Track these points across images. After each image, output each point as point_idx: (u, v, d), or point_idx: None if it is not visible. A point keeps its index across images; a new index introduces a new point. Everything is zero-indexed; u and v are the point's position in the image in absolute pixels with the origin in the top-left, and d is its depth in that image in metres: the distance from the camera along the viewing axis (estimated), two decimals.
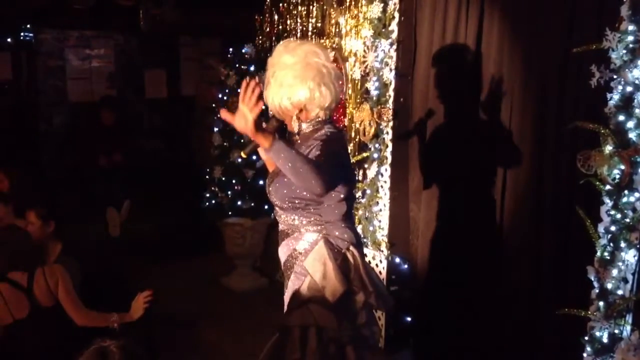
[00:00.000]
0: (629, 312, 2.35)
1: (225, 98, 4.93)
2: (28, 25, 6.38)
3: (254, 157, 2.71)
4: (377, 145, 3.75)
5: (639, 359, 2.25)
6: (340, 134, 2.52)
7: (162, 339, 3.69)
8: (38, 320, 2.91)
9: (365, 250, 3.47)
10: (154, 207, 6.17)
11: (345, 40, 4.14)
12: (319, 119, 2.37)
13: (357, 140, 4.03)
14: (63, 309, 2.96)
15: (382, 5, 3.62)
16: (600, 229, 2.43)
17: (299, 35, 4.67)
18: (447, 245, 3.54)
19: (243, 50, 4.92)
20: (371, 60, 3.72)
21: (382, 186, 3.79)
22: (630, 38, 2.27)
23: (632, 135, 2.28)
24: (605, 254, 2.37)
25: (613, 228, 2.34)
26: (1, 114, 6.31)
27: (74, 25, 6.61)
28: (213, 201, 4.97)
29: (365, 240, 3.76)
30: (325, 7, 4.40)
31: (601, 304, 2.38)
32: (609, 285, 2.36)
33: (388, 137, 3.71)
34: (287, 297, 2.47)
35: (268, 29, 5.07)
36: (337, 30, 4.26)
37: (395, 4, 3.60)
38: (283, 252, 2.48)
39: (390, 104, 3.66)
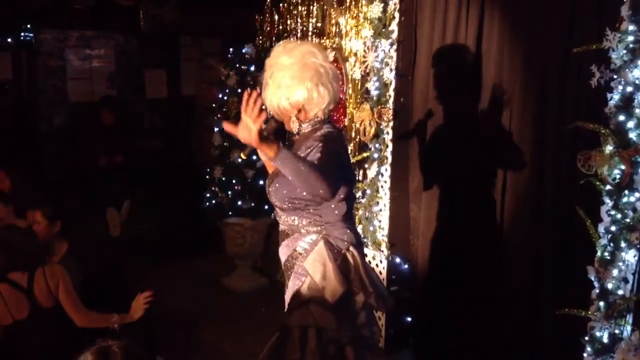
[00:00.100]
0: (630, 312, 2.35)
1: (225, 98, 4.93)
2: (28, 25, 6.38)
3: (254, 157, 2.71)
4: (377, 145, 3.75)
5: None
6: (339, 133, 2.52)
7: (162, 339, 3.69)
8: (38, 321, 2.90)
9: (366, 251, 3.47)
10: (154, 207, 6.17)
11: (346, 41, 4.15)
12: (318, 119, 2.37)
13: (357, 140, 4.03)
14: (63, 310, 2.95)
15: (382, 5, 3.62)
16: (601, 229, 2.43)
17: (299, 35, 4.67)
18: (448, 246, 3.54)
19: (243, 50, 4.92)
20: (371, 60, 3.72)
21: (382, 186, 3.79)
22: (631, 38, 2.27)
23: (632, 135, 2.28)
24: (606, 254, 2.37)
25: (613, 228, 2.34)
26: (1, 114, 6.31)
27: (74, 25, 6.61)
28: (213, 201, 4.97)
29: (365, 240, 3.76)
30: (325, 7, 4.40)
31: (601, 304, 2.38)
32: (610, 286, 2.36)
33: (388, 137, 3.71)
34: (287, 298, 2.47)
35: (268, 29, 5.07)
36: (337, 30, 4.27)
37: (395, 4, 3.61)
38: (283, 253, 2.48)
39: (390, 104, 3.67)
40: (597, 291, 2.41)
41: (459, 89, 3.44)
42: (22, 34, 6.40)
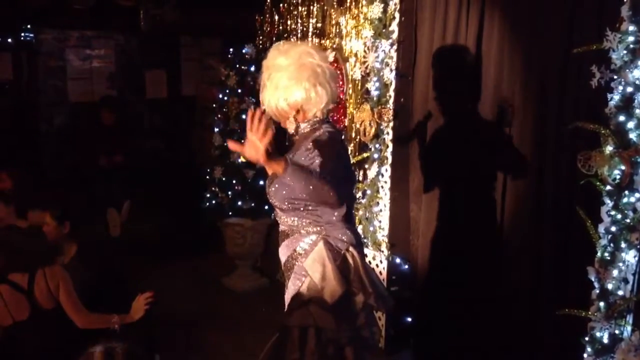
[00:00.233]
0: (630, 312, 2.35)
1: (225, 98, 4.93)
2: (28, 26, 6.38)
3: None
4: (377, 146, 3.75)
5: None
6: (339, 133, 2.52)
7: (162, 339, 3.69)
8: (38, 322, 2.89)
9: (366, 251, 3.47)
10: (154, 207, 6.17)
11: (346, 41, 4.15)
12: (317, 119, 2.37)
13: (357, 140, 4.03)
14: (63, 311, 2.94)
15: (382, 5, 3.62)
16: (601, 229, 2.43)
17: (299, 35, 4.67)
18: (448, 246, 3.54)
19: (243, 51, 4.92)
20: (372, 61, 3.72)
21: (382, 186, 3.79)
22: (631, 38, 2.27)
23: (632, 136, 2.28)
24: (606, 254, 2.37)
25: (613, 228, 2.34)
26: (2, 114, 6.31)
27: (75, 25, 6.61)
28: (213, 201, 4.97)
29: (365, 240, 3.76)
30: (325, 8, 4.41)
31: (602, 304, 2.38)
32: (610, 286, 2.36)
33: (388, 137, 3.71)
34: (287, 298, 2.47)
35: (268, 29, 5.07)
36: (337, 30, 4.27)
37: (395, 5, 3.61)
38: (283, 253, 2.48)
39: (390, 105, 3.67)
40: (597, 291, 2.41)
41: (459, 89, 3.44)
42: (23, 34, 6.40)
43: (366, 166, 3.88)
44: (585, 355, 2.45)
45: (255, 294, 4.90)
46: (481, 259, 3.31)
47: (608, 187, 2.35)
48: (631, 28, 2.27)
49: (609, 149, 2.31)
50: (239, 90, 4.87)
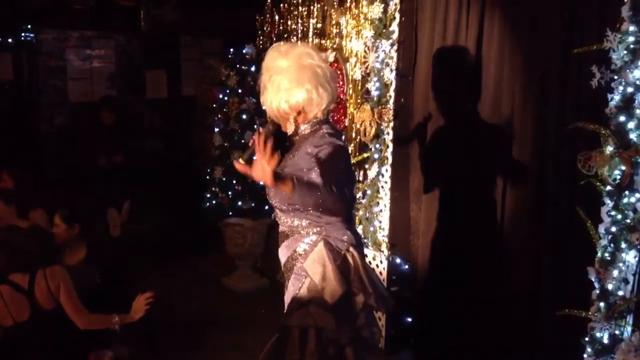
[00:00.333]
0: (630, 312, 2.35)
1: (225, 98, 4.93)
2: (29, 26, 6.38)
3: (255, 158, 2.70)
4: (377, 146, 3.75)
5: None
6: (339, 135, 2.52)
7: (162, 339, 3.69)
8: (39, 323, 2.89)
9: (366, 251, 3.47)
10: (154, 207, 6.17)
11: (346, 41, 4.15)
12: (317, 120, 2.37)
13: (357, 140, 4.03)
14: (64, 312, 2.94)
15: (382, 5, 3.62)
16: (601, 229, 2.43)
17: (299, 35, 4.67)
18: (448, 246, 3.54)
19: (244, 51, 4.92)
20: (372, 61, 3.72)
21: (382, 187, 3.79)
22: (631, 39, 2.27)
23: (632, 136, 2.28)
24: (606, 254, 2.37)
25: (614, 229, 2.34)
26: (2, 114, 6.30)
27: (75, 25, 6.61)
28: (213, 201, 4.97)
29: (365, 240, 3.76)
30: (326, 8, 4.40)
31: (602, 304, 2.38)
32: (610, 286, 2.36)
33: (389, 137, 3.71)
34: (287, 298, 2.47)
35: (269, 30, 5.07)
36: (337, 30, 4.27)
37: (396, 5, 3.61)
38: (283, 254, 2.48)
39: (390, 105, 3.67)
40: (598, 292, 2.41)
41: (460, 89, 3.44)
42: (23, 34, 6.40)
43: (366, 166, 3.88)
44: (585, 356, 2.46)
45: (255, 294, 4.90)
46: (481, 259, 3.31)
47: (608, 188, 2.35)
48: (631, 28, 2.27)
49: (609, 149, 2.32)
50: (239, 91, 4.87)
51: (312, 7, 4.54)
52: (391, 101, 3.67)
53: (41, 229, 3.50)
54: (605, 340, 2.38)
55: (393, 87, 3.66)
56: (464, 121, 3.43)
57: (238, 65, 4.90)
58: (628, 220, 2.30)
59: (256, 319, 4.30)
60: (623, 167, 2.27)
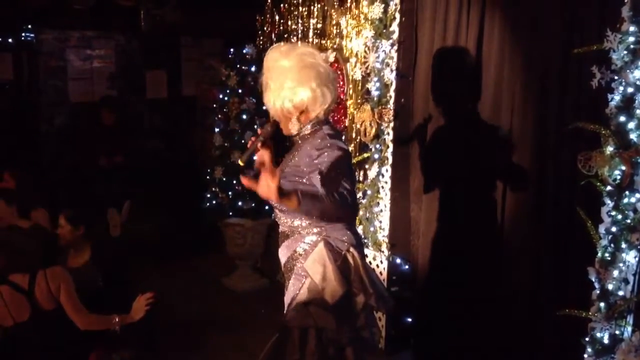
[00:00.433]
0: (630, 313, 2.35)
1: (226, 98, 4.93)
2: (29, 26, 6.38)
3: (255, 158, 2.70)
4: (378, 146, 3.76)
5: None
6: (340, 135, 2.52)
7: (162, 339, 3.69)
8: (39, 323, 2.89)
9: (366, 251, 3.47)
10: (155, 207, 6.17)
11: (346, 41, 4.15)
12: (317, 120, 2.37)
13: (358, 140, 4.03)
14: (64, 312, 2.93)
15: (383, 6, 3.62)
16: (601, 229, 2.43)
17: (299, 36, 4.68)
18: (448, 246, 3.54)
19: (244, 51, 4.92)
20: (372, 61, 3.72)
21: (382, 187, 3.79)
22: (631, 39, 2.27)
23: (633, 136, 2.28)
24: (606, 254, 2.37)
25: (614, 229, 2.34)
26: (2, 114, 6.30)
27: (75, 25, 6.61)
28: (214, 201, 4.97)
29: (366, 240, 3.76)
30: (326, 8, 4.41)
31: (602, 304, 2.38)
32: (610, 286, 2.36)
33: (389, 137, 3.71)
34: (287, 298, 2.47)
35: (269, 30, 5.07)
36: (338, 30, 4.27)
37: (396, 5, 3.61)
38: (283, 254, 2.48)
39: (391, 105, 3.67)
40: (598, 292, 2.41)
41: (460, 89, 3.44)
42: (23, 34, 6.39)
43: (366, 166, 3.88)
44: (585, 356, 2.46)
45: (256, 294, 4.89)
46: (481, 259, 3.31)
47: (608, 188, 2.35)
48: (632, 28, 2.27)
49: (609, 149, 2.32)
50: (240, 91, 4.87)
51: (312, 7, 4.54)
52: (391, 101, 3.67)
53: (43, 229, 3.49)
54: (606, 341, 2.38)
55: (393, 87, 3.66)
56: (464, 121, 3.43)
57: (238, 66, 4.90)
58: (628, 221, 2.30)
59: (256, 319, 4.30)
60: (623, 167, 2.27)
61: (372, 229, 3.82)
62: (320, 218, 2.21)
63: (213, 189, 4.97)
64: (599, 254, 2.40)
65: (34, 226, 3.43)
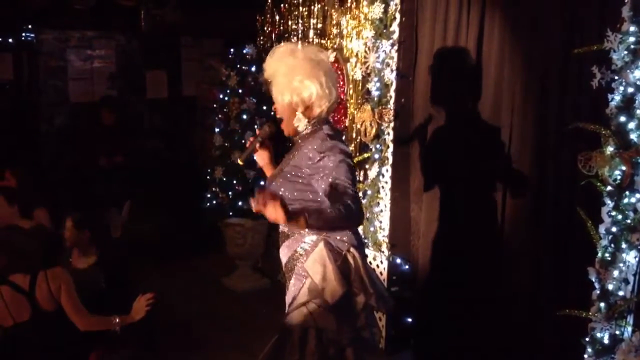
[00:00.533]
0: (630, 313, 2.35)
1: (226, 99, 4.93)
2: (29, 26, 6.38)
3: (255, 157, 2.72)
4: (378, 146, 3.76)
5: None
6: (340, 135, 2.52)
7: (162, 339, 3.69)
8: (39, 324, 2.88)
9: (366, 251, 3.46)
10: (155, 207, 6.17)
11: (347, 41, 4.15)
12: (318, 119, 2.37)
13: (358, 140, 4.03)
14: (65, 313, 2.93)
15: (383, 6, 3.62)
16: (601, 229, 2.43)
17: (300, 36, 4.68)
18: (448, 246, 3.54)
19: (244, 51, 4.92)
20: (372, 61, 3.72)
21: (383, 187, 3.79)
22: (632, 39, 2.27)
23: (633, 136, 2.28)
24: (606, 255, 2.37)
25: (614, 229, 2.34)
26: (2, 114, 6.30)
27: (75, 25, 6.61)
28: (214, 201, 4.97)
29: (366, 240, 3.76)
30: (326, 8, 4.41)
31: (602, 305, 2.38)
32: (610, 286, 2.36)
33: (389, 137, 3.71)
34: (288, 299, 2.47)
35: (269, 30, 5.07)
36: (338, 31, 4.27)
37: (396, 5, 3.61)
38: (284, 254, 2.48)
39: (391, 105, 3.67)
40: (598, 292, 2.41)
41: (460, 89, 3.44)
42: (23, 34, 6.39)
43: (367, 166, 3.88)
44: (585, 356, 2.46)
45: (256, 294, 4.89)
46: (481, 259, 3.31)
47: (609, 188, 2.35)
48: (632, 29, 2.27)
49: (609, 149, 2.32)
50: (240, 91, 4.87)
51: (312, 8, 4.54)
52: (391, 101, 3.67)
53: (44, 229, 3.49)
54: (606, 341, 2.38)
55: (393, 87, 3.66)
56: (464, 121, 3.43)
57: (238, 66, 4.90)
58: (628, 221, 2.30)
59: (256, 319, 4.30)
60: (623, 168, 2.27)
61: (372, 229, 3.82)
62: (329, 232, 2.28)
63: (213, 189, 4.97)
64: (599, 254, 2.40)
65: (36, 226, 3.42)
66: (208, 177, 5.03)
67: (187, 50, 7.47)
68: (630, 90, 2.28)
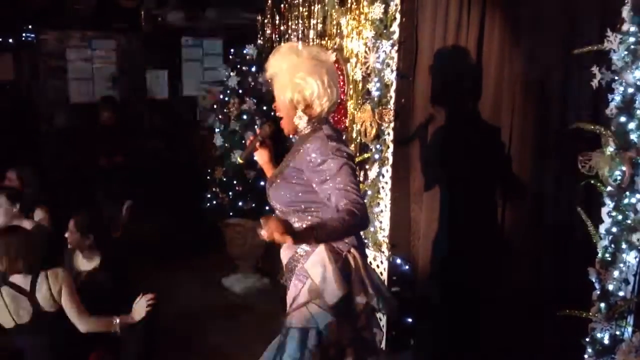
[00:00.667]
0: (630, 313, 2.35)
1: (226, 99, 4.94)
2: (30, 26, 6.39)
3: (255, 158, 2.72)
4: (378, 146, 3.76)
5: None
6: (340, 135, 2.51)
7: (162, 339, 3.69)
8: (40, 325, 2.89)
9: (367, 252, 3.46)
10: (155, 207, 6.17)
11: (347, 41, 4.15)
12: (317, 119, 2.37)
13: (358, 141, 4.03)
14: (65, 314, 2.93)
15: (383, 6, 3.62)
16: (602, 230, 2.43)
17: (300, 36, 4.68)
18: (448, 246, 3.54)
19: (244, 51, 4.92)
20: (372, 61, 3.72)
21: (383, 187, 3.79)
22: (632, 39, 2.27)
23: (633, 137, 2.28)
24: (607, 255, 2.37)
25: (614, 229, 2.34)
26: (2, 114, 6.31)
27: (76, 25, 6.62)
28: (214, 202, 4.97)
29: (366, 241, 3.76)
30: (326, 8, 4.41)
31: (602, 305, 2.38)
32: (610, 287, 2.36)
33: (389, 138, 3.71)
34: (288, 299, 2.47)
35: (269, 30, 5.07)
36: (338, 31, 4.27)
37: (396, 5, 3.61)
38: (285, 255, 2.48)
39: (391, 105, 3.67)
40: (598, 292, 2.41)
41: (460, 89, 3.44)
42: (24, 34, 6.40)
43: (367, 167, 3.88)
44: (585, 356, 2.45)
45: (256, 294, 4.90)
46: (481, 259, 3.31)
47: (609, 188, 2.35)
48: (632, 29, 2.27)
49: (609, 149, 2.32)
50: (240, 91, 4.87)
51: (312, 8, 4.54)
52: (392, 102, 3.67)
53: (45, 229, 3.49)
54: (606, 341, 2.38)
55: (394, 87, 3.66)
56: (465, 121, 3.43)
57: (239, 66, 4.90)
58: (629, 221, 2.30)
59: (256, 319, 4.30)
60: (624, 168, 2.27)
61: (372, 229, 3.82)
62: (341, 238, 2.30)
63: (213, 189, 4.97)
64: (600, 255, 2.40)
65: (37, 226, 3.43)
66: (208, 177, 5.03)
67: (188, 51, 7.47)
68: (630, 90, 2.28)
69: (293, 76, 2.32)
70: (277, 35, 4.97)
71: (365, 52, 3.83)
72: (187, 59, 7.48)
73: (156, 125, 7.43)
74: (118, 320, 3.01)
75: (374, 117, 3.69)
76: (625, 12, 2.31)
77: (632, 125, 2.28)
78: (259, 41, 5.20)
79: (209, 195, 5.00)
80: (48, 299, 2.88)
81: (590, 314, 2.42)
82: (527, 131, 3.06)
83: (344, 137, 3.13)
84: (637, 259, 2.31)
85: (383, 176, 3.78)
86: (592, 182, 2.40)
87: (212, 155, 5.06)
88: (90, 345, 3.05)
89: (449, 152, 3.50)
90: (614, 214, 2.34)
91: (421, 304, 3.74)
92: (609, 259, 2.35)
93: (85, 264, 3.34)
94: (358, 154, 4.02)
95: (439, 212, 3.59)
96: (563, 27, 2.82)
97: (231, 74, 4.87)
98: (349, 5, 4.11)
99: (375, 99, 3.71)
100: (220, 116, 4.98)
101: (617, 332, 2.35)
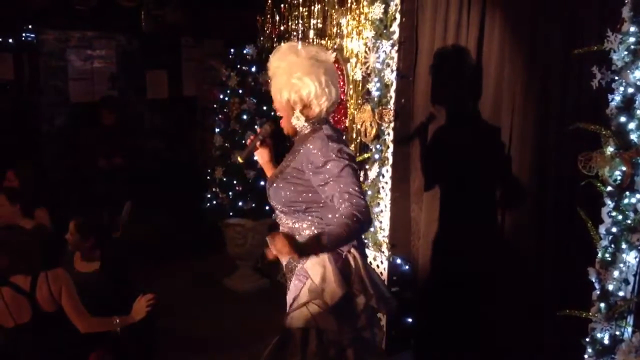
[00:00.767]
0: (630, 313, 2.35)
1: (226, 99, 4.94)
2: (30, 26, 6.38)
3: (255, 157, 2.72)
4: (378, 146, 3.76)
5: None
6: (341, 135, 2.51)
7: (162, 339, 3.69)
8: (40, 325, 2.88)
9: (367, 252, 3.46)
10: (155, 207, 6.17)
11: (347, 41, 4.15)
12: (317, 119, 2.37)
13: (358, 141, 4.03)
14: (65, 315, 2.93)
15: (383, 6, 3.62)
16: (602, 230, 2.43)
17: (300, 36, 4.68)
18: (448, 246, 3.54)
19: (245, 51, 4.92)
20: (372, 61, 3.72)
21: (383, 187, 3.79)
22: (632, 39, 2.27)
23: (633, 137, 2.28)
24: (607, 255, 2.37)
25: (614, 229, 2.34)
26: (3, 114, 6.31)
27: (76, 26, 6.61)
28: (214, 202, 4.97)
29: (366, 241, 3.76)
30: (326, 8, 4.41)
31: (602, 305, 2.38)
32: (610, 287, 2.36)
33: (389, 138, 3.71)
34: (288, 299, 2.47)
35: (269, 30, 5.07)
36: (338, 31, 4.27)
37: (396, 5, 3.61)
38: None
39: (391, 105, 3.67)
40: (598, 292, 2.41)
41: (460, 89, 3.44)
42: (24, 34, 6.40)
43: (367, 167, 3.88)
44: (585, 356, 2.45)
45: (256, 294, 4.90)
46: (481, 259, 3.31)
47: (609, 188, 2.35)
48: (632, 29, 2.27)
49: (609, 149, 2.32)
50: (240, 91, 4.87)
51: (312, 8, 4.54)
52: (392, 102, 3.67)
53: (45, 229, 3.49)
54: (606, 341, 2.38)
55: (394, 87, 3.66)
56: (465, 121, 3.43)
57: (239, 66, 4.90)
58: (629, 221, 2.30)
59: (257, 319, 4.30)
60: (624, 168, 2.27)
61: (372, 229, 3.82)
62: (346, 243, 2.28)
63: (213, 189, 4.97)
64: (600, 255, 2.40)
65: (37, 226, 3.42)
66: (208, 178, 5.03)
67: (188, 51, 7.47)
68: (631, 90, 2.28)
69: (290, 76, 2.32)
70: (276, 35, 4.97)
71: (365, 52, 3.83)
72: (187, 59, 7.49)
73: (156, 125, 7.43)
74: (118, 320, 3.01)
75: (374, 117, 3.69)
76: (625, 12, 2.31)
77: (632, 125, 2.28)
78: (259, 41, 5.20)
79: (209, 195, 4.99)
80: (48, 299, 2.88)
81: (590, 314, 2.43)
82: (527, 131, 3.06)
83: (344, 137, 3.13)
84: (637, 259, 2.31)
85: (383, 176, 3.78)
86: (592, 182, 2.40)
87: (212, 155, 5.06)
88: (90, 345, 3.05)
89: (449, 152, 3.50)
90: (614, 214, 2.34)
91: (421, 304, 3.75)
92: (609, 259, 2.35)
93: (85, 265, 3.33)
94: (358, 154, 4.02)
95: (439, 212, 3.59)
96: (562, 27, 2.82)
97: (231, 74, 4.86)
98: (349, 5, 4.11)
99: (375, 99, 3.71)
100: (220, 116, 4.98)
101: (617, 332, 2.35)
